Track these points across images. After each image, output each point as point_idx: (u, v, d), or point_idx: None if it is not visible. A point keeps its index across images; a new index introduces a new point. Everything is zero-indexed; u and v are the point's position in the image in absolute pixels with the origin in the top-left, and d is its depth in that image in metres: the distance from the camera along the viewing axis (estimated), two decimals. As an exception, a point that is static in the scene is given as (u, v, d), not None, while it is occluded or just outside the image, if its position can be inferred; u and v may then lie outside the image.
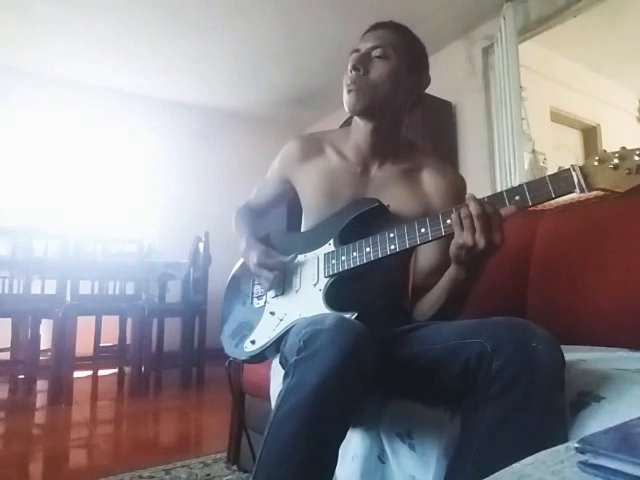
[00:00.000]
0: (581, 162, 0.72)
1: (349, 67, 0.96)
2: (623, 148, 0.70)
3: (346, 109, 0.98)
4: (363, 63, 0.95)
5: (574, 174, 0.71)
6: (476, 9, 2.91)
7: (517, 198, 0.75)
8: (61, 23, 3.03)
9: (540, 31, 2.77)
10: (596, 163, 0.71)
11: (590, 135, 3.71)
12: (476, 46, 3.12)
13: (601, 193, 1.19)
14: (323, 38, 3.21)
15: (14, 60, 3.52)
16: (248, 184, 1.29)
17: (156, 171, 4.22)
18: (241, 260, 1.17)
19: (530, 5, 2.77)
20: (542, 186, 0.73)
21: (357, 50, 0.97)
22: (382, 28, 0.99)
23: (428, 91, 1.11)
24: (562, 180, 0.72)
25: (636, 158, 0.68)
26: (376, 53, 0.95)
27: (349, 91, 0.95)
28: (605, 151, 0.71)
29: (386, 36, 0.97)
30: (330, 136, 1.11)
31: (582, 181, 0.71)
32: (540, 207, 1.36)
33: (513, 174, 2.65)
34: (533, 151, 2.95)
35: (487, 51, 3.02)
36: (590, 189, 0.71)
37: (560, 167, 0.73)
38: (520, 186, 0.76)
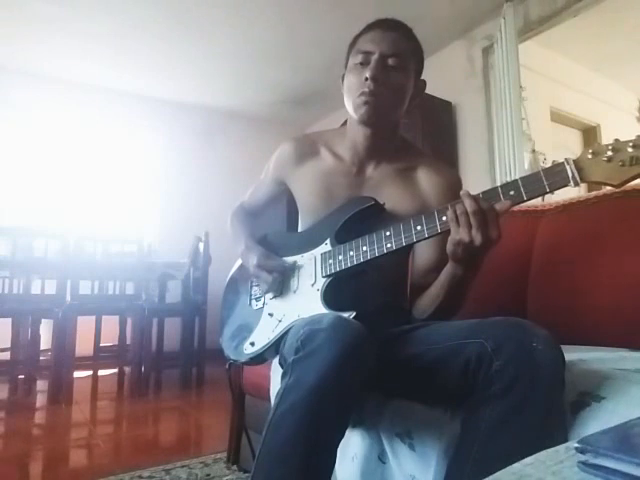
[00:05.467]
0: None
1: (368, 74, 0.91)
2: (616, 140, 0.69)
3: (355, 115, 0.96)
4: (383, 74, 0.92)
5: (568, 168, 0.71)
6: (476, 9, 2.91)
7: (512, 193, 0.75)
8: (61, 23, 3.03)
9: (540, 31, 2.77)
10: (590, 156, 0.70)
11: (590, 135, 3.71)
12: (476, 46, 3.12)
13: (601, 193, 1.20)
14: (323, 38, 3.21)
15: (14, 60, 3.52)
16: (248, 184, 1.29)
17: (156, 171, 4.22)
18: (239, 262, 1.16)
19: (530, 5, 2.77)
20: (536, 180, 0.73)
21: (368, 52, 0.94)
22: (394, 31, 0.95)
23: (428, 91, 1.11)
24: (556, 174, 0.72)
25: (629, 150, 0.67)
26: (392, 62, 0.93)
27: (365, 102, 0.92)
28: (599, 144, 0.71)
29: (400, 44, 0.95)
30: (324, 137, 1.10)
31: (576, 174, 0.70)
32: (540, 207, 1.37)
33: (513, 174, 2.65)
34: (533, 151, 2.95)
35: (487, 51, 3.02)
36: (584, 182, 0.71)
37: (554, 161, 0.73)
38: (515, 181, 0.75)
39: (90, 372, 3.20)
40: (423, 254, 0.99)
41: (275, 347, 0.94)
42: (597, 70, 3.55)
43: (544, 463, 0.39)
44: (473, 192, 0.78)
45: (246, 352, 0.98)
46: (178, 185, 4.22)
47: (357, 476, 0.87)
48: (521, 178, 0.75)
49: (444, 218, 0.79)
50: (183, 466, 1.55)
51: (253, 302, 1.07)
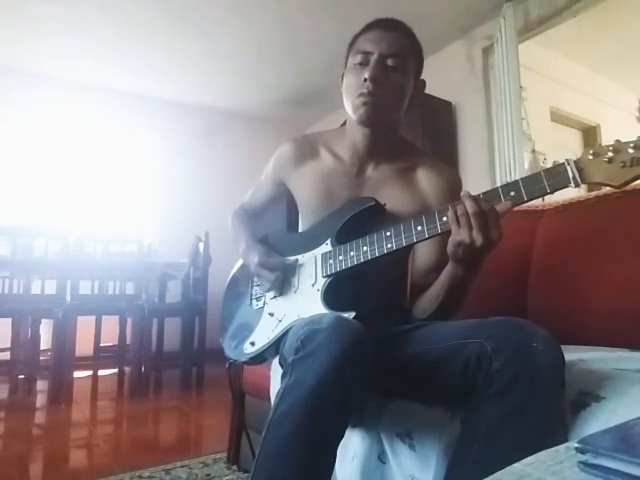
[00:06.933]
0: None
1: (367, 75, 0.91)
2: (617, 141, 0.69)
3: (354, 116, 0.96)
4: (382, 74, 0.92)
5: (569, 168, 0.71)
6: (476, 9, 2.91)
7: (512, 194, 0.75)
8: (61, 23, 3.03)
9: (540, 31, 2.77)
10: (591, 157, 0.70)
11: (590, 135, 3.72)
12: (476, 46, 3.12)
13: (601, 193, 1.20)
14: (323, 38, 3.21)
15: (14, 60, 3.52)
16: (248, 184, 1.29)
17: (156, 171, 4.22)
18: (240, 262, 1.17)
19: (530, 5, 2.77)
20: (537, 181, 0.73)
21: (367, 52, 0.94)
22: (393, 31, 0.95)
23: (428, 91, 1.11)
24: (557, 175, 0.72)
25: (630, 151, 0.67)
26: (391, 63, 0.93)
27: (364, 103, 0.92)
28: (600, 144, 0.71)
29: (399, 44, 0.94)
30: (324, 137, 1.10)
31: (577, 175, 0.70)
32: (540, 207, 1.37)
33: (513, 174, 2.65)
34: (533, 151, 2.95)
35: (487, 51, 3.02)
36: (585, 183, 0.71)
37: (555, 161, 0.73)
38: (515, 182, 0.75)
39: (90, 372, 3.20)
40: (423, 254, 0.99)
41: (275, 347, 0.94)
42: (597, 70, 3.55)
43: (544, 463, 0.39)
44: (473, 192, 0.78)
45: (246, 352, 0.98)
46: (178, 185, 4.22)
47: (357, 476, 0.87)
48: (522, 179, 0.75)
49: (444, 219, 0.79)
50: (183, 466, 1.55)
51: (254, 302, 1.07)
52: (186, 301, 3.10)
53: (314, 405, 0.67)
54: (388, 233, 0.85)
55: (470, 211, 0.75)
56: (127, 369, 3.00)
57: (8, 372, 2.79)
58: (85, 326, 2.83)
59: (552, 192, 0.73)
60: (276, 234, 1.14)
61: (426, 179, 1.01)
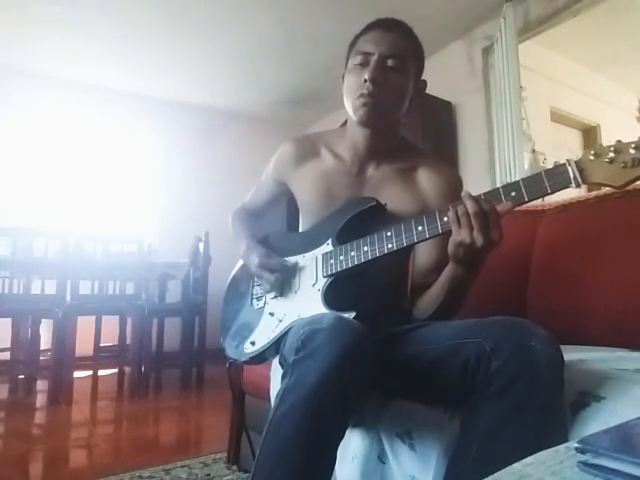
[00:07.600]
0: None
1: (367, 76, 0.91)
2: (619, 142, 0.69)
3: (354, 117, 0.96)
4: (382, 75, 0.92)
5: (569, 169, 0.71)
6: (476, 9, 2.91)
7: (513, 194, 0.75)
8: (61, 23, 3.03)
9: (540, 31, 2.77)
10: (592, 157, 0.70)
11: (590, 135, 3.72)
12: (476, 46, 3.12)
13: (601, 193, 1.20)
14: (322, 38, 3.21)
15: (14, 60, 3.52)
16: (248, 184, 1.29)
17: (156, 171, 4.22)
18: (240, 262, 1.17)
19: (530, 5, 2.77)
20: (538, 181, 0.73)
21: (367, 53, 0.94)
22: (393, 32, 0.95)
23: (428, 91, 1.11)
24: (558, 175, 0.72)
25: (632, 152, 0.67)
26: (391, 63, 0.92)
27: (364, 104, 0.92)
28: (601, 145, 0.71)
29: (400, 44, 0.94)
30: (325, 137, 1.10)
31: (578, 175, 0.70)
32: (540, 207, 1.37)
33: (513, 174, 2.65)
34: (533, 151, 2.95)
35: (487, 51, 3.02)
36: (586, 184, 0.71)
37: (556, 162, 0.73)
38: (516, 182, 0.75)
39: (90, 372, 3.20)
40: (424, 254, 0.99)
41: (275, 347, 0.94)
42: (597, 70, 3.55)
43: (544, 463, 0.39)
44: (473, 192, 0.78)
45: (246, 351, 0.98)
46: (178, 185, 4.22)
47: (357, 476, 0.87)
48: (522, 179, 0.75)
49: (445, 219, 0.79)
50: (183, 466, 1.55)
51: (254, 302, 1.07)
52: (186, 301, 3.10)
53: (314, 405, 0.67)
54: (389, 233, 0.85)
55: (471, 211, 0.75)
56: (127, 369, 3.00)
57: (8, 372, 2.79)
58: (85, 326, 2.83)
59: (553, 192, 0.73)
60: (276, 234, 1.14)
61: (427, 179, 1.01)
